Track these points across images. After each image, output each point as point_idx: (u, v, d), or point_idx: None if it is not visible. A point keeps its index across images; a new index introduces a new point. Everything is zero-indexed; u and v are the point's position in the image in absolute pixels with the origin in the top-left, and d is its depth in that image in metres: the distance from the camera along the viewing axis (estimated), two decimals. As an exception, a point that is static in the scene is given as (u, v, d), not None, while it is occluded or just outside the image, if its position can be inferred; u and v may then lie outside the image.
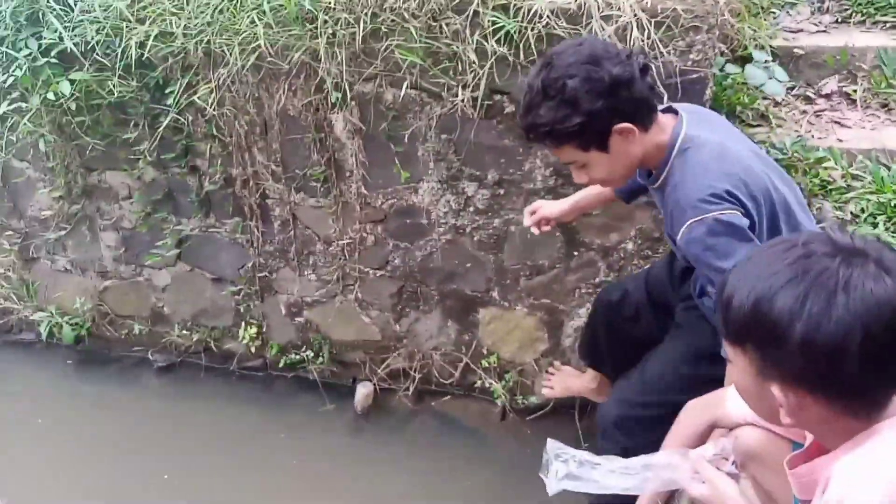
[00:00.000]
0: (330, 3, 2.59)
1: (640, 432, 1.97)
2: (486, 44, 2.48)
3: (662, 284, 2.35)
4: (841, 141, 2.80)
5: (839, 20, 3.25)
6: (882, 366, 0.99)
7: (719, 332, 1.17)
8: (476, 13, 2.47)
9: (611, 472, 1.42)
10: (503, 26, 2.44)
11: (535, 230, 2.43)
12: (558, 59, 1.66)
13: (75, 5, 2.86)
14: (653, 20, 2.35)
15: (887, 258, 1.00)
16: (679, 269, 2.23)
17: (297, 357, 3.47)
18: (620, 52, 1.69)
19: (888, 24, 3.19)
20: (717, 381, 1.75)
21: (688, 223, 1.66)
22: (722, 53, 2.74)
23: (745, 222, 1.64)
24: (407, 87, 2.65)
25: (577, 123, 1.64)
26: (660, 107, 1.80)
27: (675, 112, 1.82)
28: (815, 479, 1.09)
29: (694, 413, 1.67)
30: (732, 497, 1.29)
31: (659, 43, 2.36)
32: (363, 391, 3.33)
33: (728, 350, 1.14)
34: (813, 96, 3.02)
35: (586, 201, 2.38)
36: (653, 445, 1.63)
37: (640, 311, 2.41)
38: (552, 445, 1.46)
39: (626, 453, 1.53)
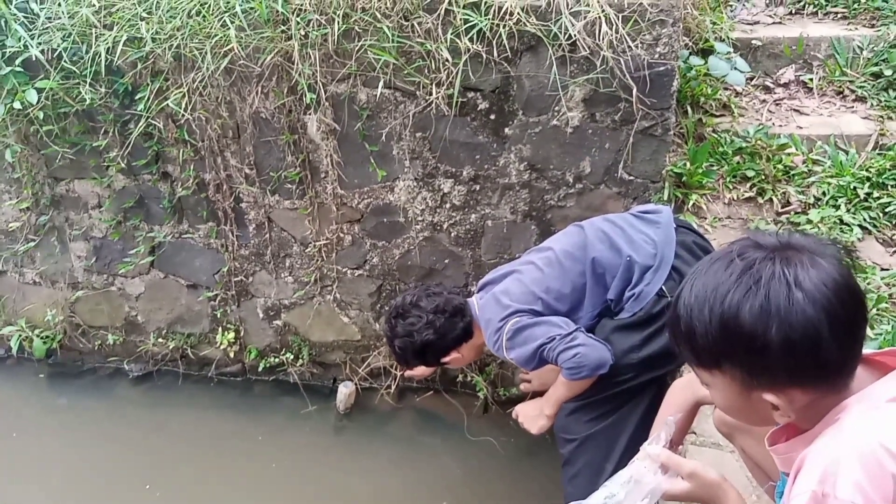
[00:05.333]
0: (302, 4, 2.60)
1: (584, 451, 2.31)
2: (458, 41, 2.51)
3: None
4: (801, 128, 2.92)
5: (793, 11, 3.38)
6: (851, 336, 1.07)
7: (688, 363, 1.20)
8: (448, 11, 2.51)
9: None
10: (475, 24, 2.48)
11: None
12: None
13: (40, 13, 2.82)
14: (620, 15, 2.42)
15: (809, 243, 1.08)
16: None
17: (276, 360, 3.47)
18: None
19: (839, 15, 3.33)
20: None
21: (508, 358, 2.25)
22: (686, 46, 2.83)
23: (523, 320, 2.19)
24: (381, 86, 2.67)
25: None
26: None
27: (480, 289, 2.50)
28: (792, 456, 1.15)
29: (679, 393, 1.72)
30: (716, 483, 1.25)
31: (627, 37, 2.42)
32: (345, 391, 3.34)
33: (703, 376, 1.18)
34: (772, 85, 3.13)
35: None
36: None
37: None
38: None
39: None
